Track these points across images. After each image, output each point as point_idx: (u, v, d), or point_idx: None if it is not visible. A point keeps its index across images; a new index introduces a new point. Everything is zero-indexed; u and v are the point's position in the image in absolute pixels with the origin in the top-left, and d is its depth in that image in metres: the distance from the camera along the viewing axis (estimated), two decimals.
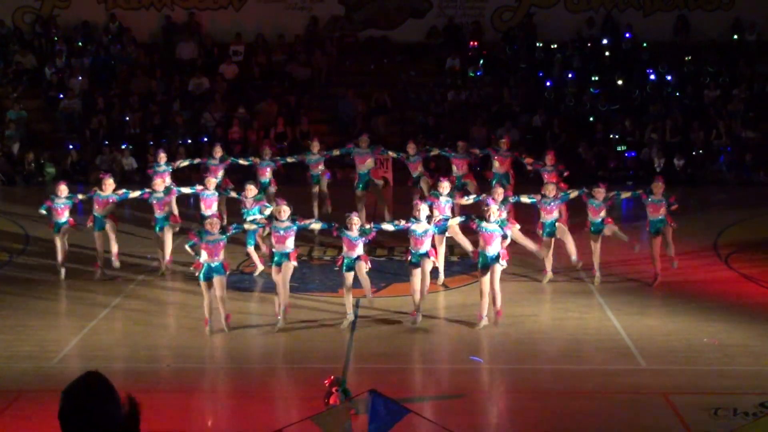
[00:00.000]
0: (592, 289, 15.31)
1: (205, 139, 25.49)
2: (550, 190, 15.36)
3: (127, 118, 26.10)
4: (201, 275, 13.06)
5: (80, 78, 26.89)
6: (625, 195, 15.95)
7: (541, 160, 17.78)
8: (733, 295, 15.03)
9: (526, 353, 12.85)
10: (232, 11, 28.54)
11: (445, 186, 15.26)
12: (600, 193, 15.35)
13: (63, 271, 15.75)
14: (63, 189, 15.80)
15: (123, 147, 25.06)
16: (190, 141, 25.47)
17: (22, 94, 26.77)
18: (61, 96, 26.60)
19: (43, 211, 15.90)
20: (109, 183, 15.81)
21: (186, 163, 18.55)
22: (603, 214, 15.35)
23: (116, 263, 15.70)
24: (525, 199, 15.53)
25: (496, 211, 13.46)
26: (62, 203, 15.71)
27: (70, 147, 25.27)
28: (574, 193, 15.58)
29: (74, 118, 26.27)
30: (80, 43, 27.89)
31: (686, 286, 15.52)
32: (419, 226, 13.33)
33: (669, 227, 15.21)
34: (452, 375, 12.25)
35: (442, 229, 14.56)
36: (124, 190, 16.01)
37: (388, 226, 13.83)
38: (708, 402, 10.78)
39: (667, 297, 14.93)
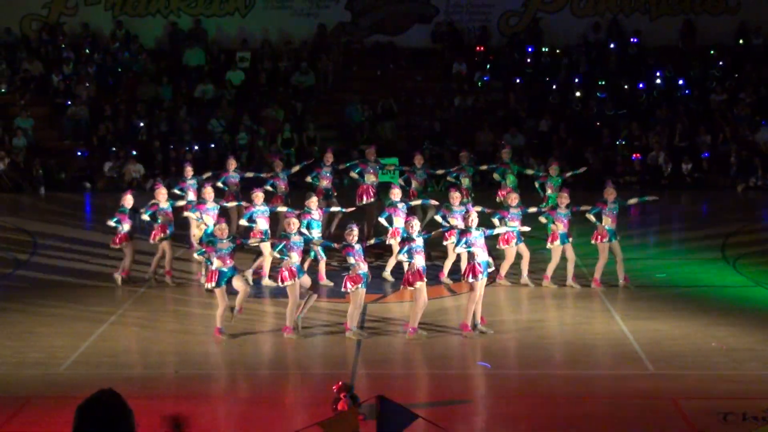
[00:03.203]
0: (599, 294, 15.28)
1: (213, 146, 25.55)
2: (512, 199, 15.34)
3: (141, 124, 26.11)
4: (218, 282, 13.07)
5: (87, 85, 26.95)
6: (585, 207, 15.94)
7: (544, 170, 17.85)
8: (742, 300, 15.00)
9: (533, 358, 12.82)
10: (238, 18, 28.60)
11: (396, 193, 15.48)
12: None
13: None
14: (129, 199, 15.73)
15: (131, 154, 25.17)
16: (197, 147, 25.50)
17: (30, 102, 26.82)
18: (69, 103, 26.67)
19: (113, 223, 15.79)
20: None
21: (209, 174, 18.31)
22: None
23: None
24: (488, 211, 15.60)
25: (475, 218, 13.38)
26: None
27: (78, 154, 25.37)
28: (532, 209, 15.55)
29: (81, 125, 26.32)
30: (87, 51, 27.95)
31: (694, 290, 15.50)
32: (418, 241, 13.19)
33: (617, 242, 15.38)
34: (460, 380, 12.22)
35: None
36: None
37: (401, 257, 13.69)
38: (717, 407, 10.74)
39: (675, 301, 14.90)
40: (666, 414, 10.78)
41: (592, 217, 15.38)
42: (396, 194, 15.48)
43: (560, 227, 15.27)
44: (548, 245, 15.43)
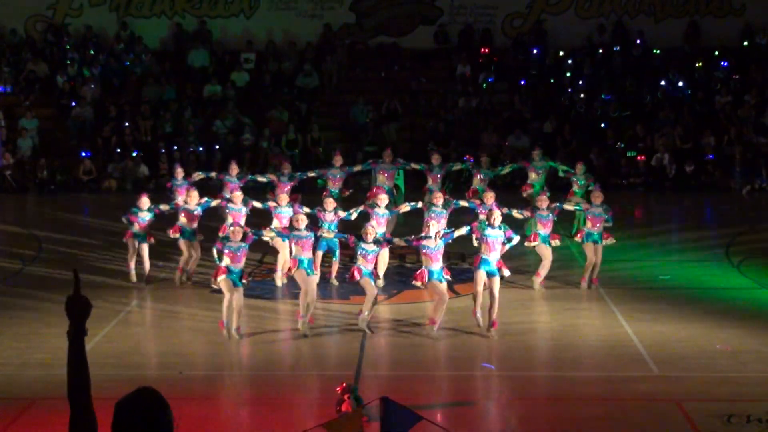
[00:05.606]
0: (603, 295, 15.28)
1: (217, 147, 25.56)
2: (489, 198, 15.32)
3: (127, 124, 26.02)
4: (225, 276, 13.10)
5: (92, 86, 26.99)
6: (568, 206, 15.97)
7: (572, 169, 17.92)
8: (746, 302, 14.99)
9: (537, 360, 12.85)
10: (243, 19, 28.62)
11: (383, 198, 15.41)
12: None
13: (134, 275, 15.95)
14: (145, 201, 15.73)
15: (135, 155, 25.19)
16: (201, 149, 25.53)
17: (35, 103, 26.88)
18: (74, 104, 26.71)
19: (124, 220, 15.89)
20: (194, 195, 15.80)
21: (202, 175, 18.23)
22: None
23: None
24: (464, 203, 15.70)
25: (499, 217, 13.46)
26: (145, 216, 15.66)
27: (82, 155, 25.42)
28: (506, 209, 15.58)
29: (86, 126, 26.36)
30: (92, 52, 27.98)
31: (699, 292, 15.50)
32: (431, 242, 13.21)
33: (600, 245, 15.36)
34: (464, 382, 12.24)
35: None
36: (206, 199, 15.93)
37: (399, 242, 13.98)
38: (721, 409, 10.75)
39: (680, 304, 14.88)
40: (670, 416, 10.78)
41: (571, 207, 15.72)
42: (382, 200, 15.42)
43: (541, 228, 15.26)
44: (528, 244, 15.40)
